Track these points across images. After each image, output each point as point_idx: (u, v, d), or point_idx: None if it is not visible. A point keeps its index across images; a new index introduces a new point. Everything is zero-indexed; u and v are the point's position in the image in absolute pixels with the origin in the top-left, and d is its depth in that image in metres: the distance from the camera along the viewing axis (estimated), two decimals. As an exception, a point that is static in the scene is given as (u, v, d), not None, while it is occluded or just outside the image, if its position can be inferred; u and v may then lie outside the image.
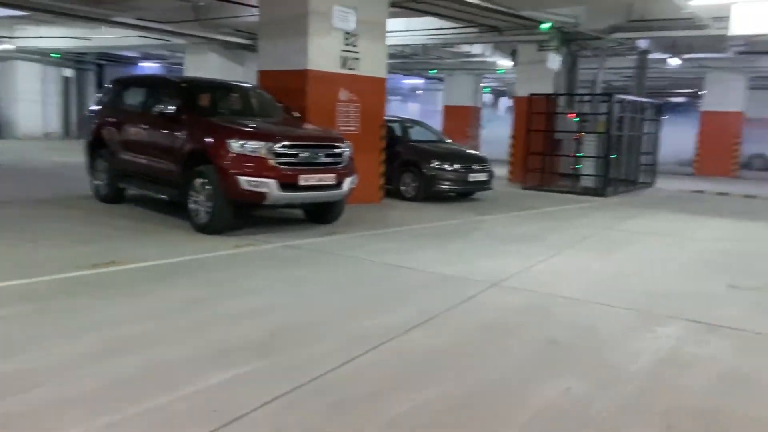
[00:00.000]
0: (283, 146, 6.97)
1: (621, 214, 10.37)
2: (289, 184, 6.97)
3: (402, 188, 11.03)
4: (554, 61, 12.32)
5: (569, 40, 13.81)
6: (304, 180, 7.08)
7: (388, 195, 10.76)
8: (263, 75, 9.58)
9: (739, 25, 8.94)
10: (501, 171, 13.53)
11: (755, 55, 16.61)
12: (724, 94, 19.25)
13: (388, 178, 10.73)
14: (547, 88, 14.06)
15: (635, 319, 4.67)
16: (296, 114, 8.53)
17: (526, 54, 15.01)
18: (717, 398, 3.33)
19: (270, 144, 6.88)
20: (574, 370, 3.63)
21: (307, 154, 7.21)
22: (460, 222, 9.03)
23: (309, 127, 8.30)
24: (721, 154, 19.40)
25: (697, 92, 27.44)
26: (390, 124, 11.36)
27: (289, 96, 8.71)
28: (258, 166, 6.80)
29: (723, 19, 10.40)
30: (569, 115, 13.86)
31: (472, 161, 11.44)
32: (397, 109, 30.06)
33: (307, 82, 8.94)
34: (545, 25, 12.31)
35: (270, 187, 6.81)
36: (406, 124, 12.59)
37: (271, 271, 5.70)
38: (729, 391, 3.43)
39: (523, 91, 14.78)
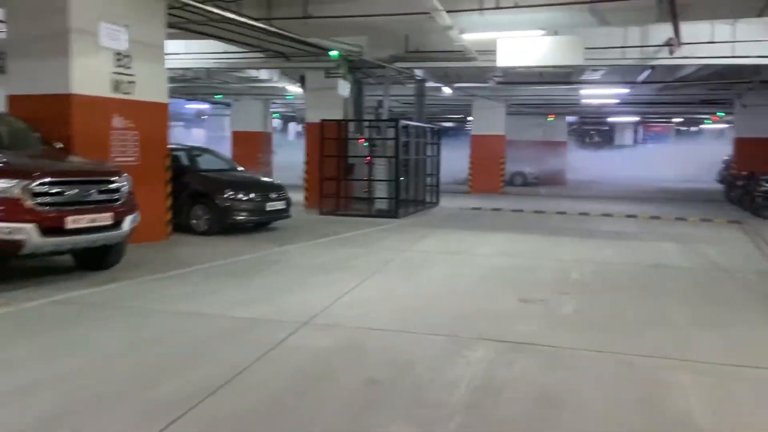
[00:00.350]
0: (43, 184, 5.89)
1: (415, 235, 10.79)
2: (53, 228, 5.89)
3: (193, 222, 10.19)
4: (344, 87, 12.55)
5: (355, 68, 14.21)
6: (72, 222, 6.05)
7: (178, 230, 9.84)
8: (14, 100, 8.13)
9: (505, 58, 9.95)
10: (296, 197, 13.33)
11: (512, 85, 18.81)
12: (489, 120, 21.57)
13: (177, 211, 9.83)
14: (337, 114, 14.27)
15: (446, 345, 4.68)
16: (58, 145, 7.33)
17: (315, 80, 15.11)
18: (538, 426, 3.38)
19: (25, 182, 5.75)
20: (398, 413, 3.44)
21: (75, 191, 6.19)
22: (261, 255, 8.55)
23: (76, 159, 7.18)
24: (489, 174, 21.63)
25: (465, 118, 30.53)
26: (175, 153, 10.48)
27: (48, 124, 7.46)
28: (10, 210, 5.64)
29: (488, 52, 11.49)
30: (360, 141, 14.20)
31: (269, 189, 11.03)
32: (181, 135, 28.38)
33: (72, 108, 7.77)
34: (334, 53, 12.48)
35: (28, 233, 5.69)
36: (194, 152, 11.76)
37: (36, 337, 4.67)
38: (547, 415, 3.51)
39: (313, 117, 14.82)
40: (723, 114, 24.23)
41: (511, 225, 12.81)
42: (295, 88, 18.67)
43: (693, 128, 40.45)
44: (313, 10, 10.26)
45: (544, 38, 9.58)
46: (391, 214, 13.39)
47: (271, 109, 26.23)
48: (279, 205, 10.91)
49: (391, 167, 13.51)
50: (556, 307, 5.95)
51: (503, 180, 21.99)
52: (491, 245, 9.97)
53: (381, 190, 13.69)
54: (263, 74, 17.63)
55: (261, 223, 11.01)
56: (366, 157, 13.81)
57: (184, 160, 11.04)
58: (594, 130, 45.05)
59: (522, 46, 9.61)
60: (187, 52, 13.92)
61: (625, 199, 19.68)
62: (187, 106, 28.89)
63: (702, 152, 33.12)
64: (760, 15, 8.98)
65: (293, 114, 31.04)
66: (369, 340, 4.78)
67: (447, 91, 18.12)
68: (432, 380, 3.94)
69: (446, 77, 16.84)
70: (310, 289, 6.47)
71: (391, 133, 13.73)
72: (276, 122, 31.40)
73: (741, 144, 19.87)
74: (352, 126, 14.38)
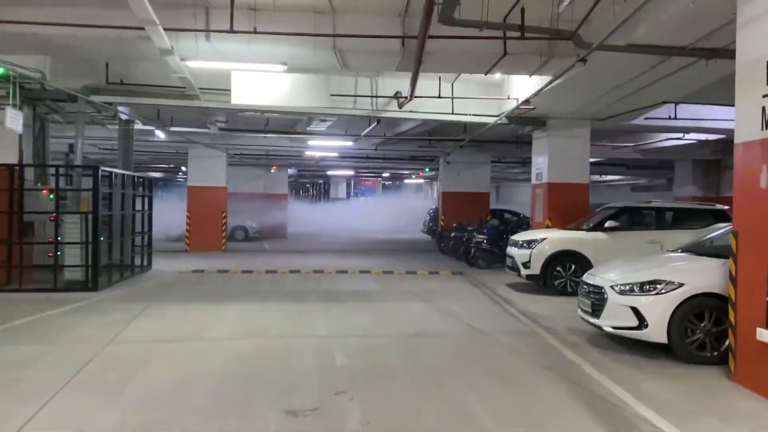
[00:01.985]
0: None
1: (124, 315, 8.24)
2: None
3: None
4: (15, 120, 9.36)
5: (35, 98, 11.02)
6: None
7: None
8: None
9: (240, 95, 8.34)
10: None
11: (236, 133, 17.25)
12: (209, 170, 19.51)
13: None
14: (11, 158, 10.81)
15: None
16: None
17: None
18: None
19: None
20: None
21: None
22: None
23: None
24: (210, 229, 19.45)
25: (180, 167, 27.80)
26: None
27: None
28: None
29: (214, 91, 9.77)
30: (43, 192, 10.94)
31: None
32: None
33: None
34: (-2, 70, 9.27)
35: None
36: None
37: None
38: None
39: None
40: (429, 169, 26.33)
41: (245, 290, 11.01)
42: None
43: (397, 182, 44.23)
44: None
45: (285, 75, 8.31)
46: (86, 286, 10.41)
47: None
48: None
49: (86, 225, 10.58)
50: (338, 420, 4.40)
51: (225, 236, 19.97)
52: (227, 322, 8.05)
53: (72, 255, 10.60)
54: None
55: None
56: (51, 213, 10.61)
57: None
58: (310, 183, 46.13)
59: (261, 82, 8.17)
60: None
61: (348, 251, 19.50)
62: None
63: (407, 205, 36.14)
64: (488, 72, 9.12)
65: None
66: None
67: (160, 135, 15.68)
68: None
69: (159, 119, 14.47)
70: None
71: (87, 182, 10.83)
72: None
73: (446, 197, 21.52)
74: (31, 173, 11.04)
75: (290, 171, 30.20)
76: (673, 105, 12.43)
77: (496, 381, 5.49)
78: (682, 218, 11.17)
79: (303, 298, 10.10)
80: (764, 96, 4.90)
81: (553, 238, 10.94)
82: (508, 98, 11.31)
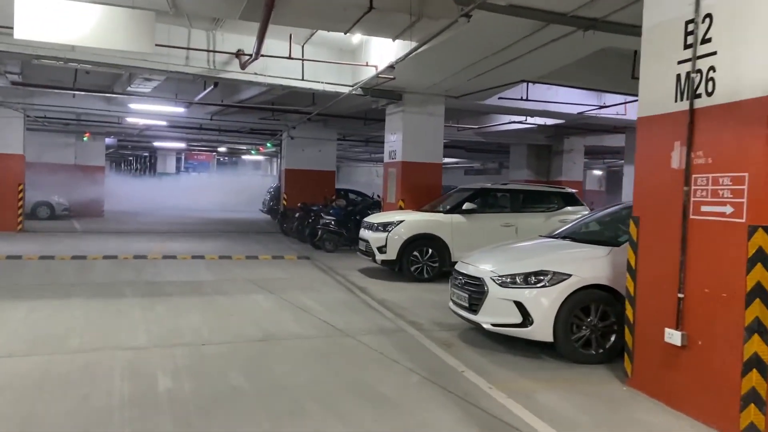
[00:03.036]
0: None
1: None
2: None
3: None
4: None
5: None
6: None
7: None
8: None
9: (26, 28, 6.15)
10: None
11: (33, 89, 14.20)
12: (1, 133, 15.98)
13: None
14: None
15: None
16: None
17: None
18: None
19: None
20: None
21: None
22: None
23: None
24: (2, 205, 16.01)
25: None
26: None
27: None
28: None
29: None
30: None
31: None
32: None
33: None
34: None
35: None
36: None
37: None
38: None
39: None
40: (271, 145, 24.54)
41: (40, 283, 8.77)
42: None
43: (234, 159, 41.50)
44: None
45: (94, 6, 6.31)
46: None
47: None
48: None
49: None
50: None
51: (22, 213, 16.59)
52: (8, 328, 6.03)
53: None
54: None
55: None
56: None
57: None
58: (134, 155, 41.62)
59: (59, 12, 6.10)
60: None
61: (178, 233, 17.31)
62: None
63: (244, 183, 33.86)
64: (348, 30, 7.92)
65: None
66: None
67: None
68: None
69: None
70: None
71: None
72: None
73: (290, 175, 20.06)
74: None
75: (108, 141, 26.53)
76: (526, 85, 12.28)
77: (371, 404, 4.37)
78: (534, 201, 10.98)
79: (118, 292, 8.19)
80: (680, 62, 4.28)
81: (410, 221, 10.13)
82: (367, 65, 10.19)
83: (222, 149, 33.49)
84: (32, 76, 13.37)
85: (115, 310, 7.09)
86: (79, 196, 21.92)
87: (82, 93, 14.14)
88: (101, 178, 23.74)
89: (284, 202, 19.84)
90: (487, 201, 10.89)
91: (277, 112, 16.87)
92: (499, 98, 12.55)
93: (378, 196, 16.06)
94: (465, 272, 6.16)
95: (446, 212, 10.32)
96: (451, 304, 6.38)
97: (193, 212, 25.99)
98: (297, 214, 16.11)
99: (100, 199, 23.23)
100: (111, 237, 15.64)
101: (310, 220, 14.98)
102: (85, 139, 22.44)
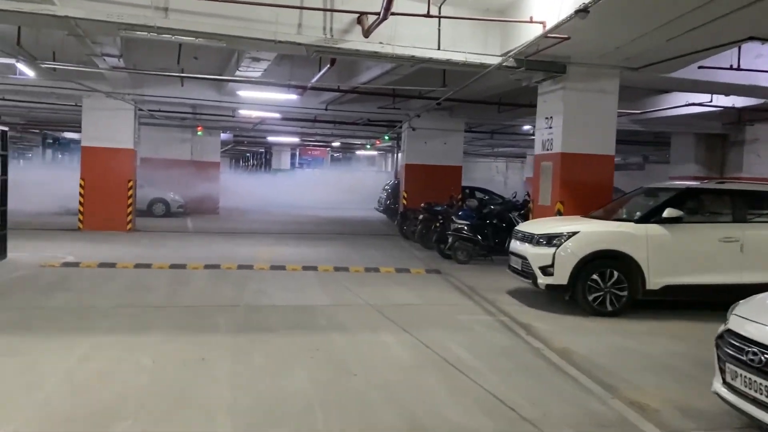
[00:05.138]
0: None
1: None
2: None
3: None
4: None
5: None
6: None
7: None
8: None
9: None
10: None
11: (139, 77, 13.03)
12: (111, 126, 15.03)
13: None
14: None
15: None
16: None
17: None
18: None
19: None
20: None
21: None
22: None
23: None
24: (111, 203, 15.09)
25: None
26: None
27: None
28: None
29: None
30: None
31: None
32: None
33: None
34: None
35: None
36: None
37: None
38: None
39: None
40: (388, 137, 22.51)
41: (119, 305, 7.09)
42: None
43: (348, 154, 40.23)
44: None
45: None
46: None
47: None
48: None
49: None
50: None
51: (132, 211, 15.63)
52: (42, 393, 4.18)
53: None
54: None
55: None
56: None
57: None
58: (251, 152, 41.58)
59: None
60: None
61: (291, 234, 15.67)
62: None
63: (359, 179, 32.21)
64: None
65: None
66: None
67: (27, 72, 11.31)
68: None
69: (20, 47, 10.09)
70: None
71: None
72: None
73: (411, 171, 17.83)
74: None
75: (225, 136, 25.82)
76: (738, 49, 9.11)
77: None
78: (762, 206, 7.89)
79: (209, 324, 6.28)
80: None
81: (587, 233, 7.45)
82: (531, 20, 7.57)
83: (336, 144, 32.08)
84: (134, 60, 12.12)
85: (197, 358, 5.12)
86: (194, 193, 21.14)
87: (190, 77, 12.73)
88: (217, 175, 22.91)
89: (404, 201, 17.67)
90: (698, 206, 7.96)
91: (399, 99, 14.67)
92: (700, 68, 9.44)
93: (527, 195, 13.35)
94: (752, 338, 3.50)
95: (638, 221, 7.52)
96: (722, 389, 3.74)
97: (307, 209, 24.56)
98: (420, 216, 13.85)
99: (215, 196, 22.39)
100: (220, 239, 14.24)
101: (438, 224, 12.67)
102: (199, 133, 21.59)
